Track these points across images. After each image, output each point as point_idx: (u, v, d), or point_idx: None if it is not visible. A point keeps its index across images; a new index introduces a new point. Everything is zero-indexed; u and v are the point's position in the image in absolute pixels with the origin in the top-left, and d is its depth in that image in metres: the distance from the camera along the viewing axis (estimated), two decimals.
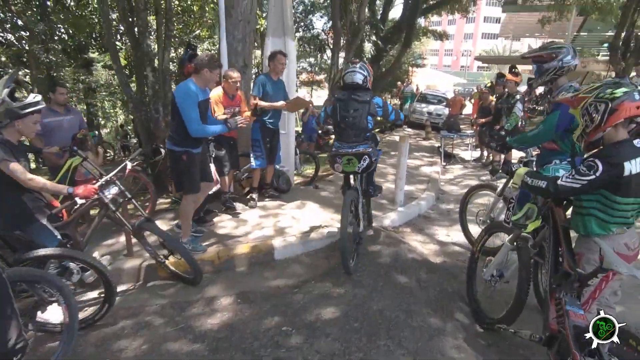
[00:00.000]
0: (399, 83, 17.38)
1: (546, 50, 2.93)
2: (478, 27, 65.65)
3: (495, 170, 7.72)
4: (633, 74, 8.69)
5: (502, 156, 7.17)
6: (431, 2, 18.61)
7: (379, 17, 18.88)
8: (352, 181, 3.66)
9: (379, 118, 3.63)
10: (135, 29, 8.34)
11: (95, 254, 3.68)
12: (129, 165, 3.38)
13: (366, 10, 17.28)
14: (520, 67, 7.57)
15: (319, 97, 27.95)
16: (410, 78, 26.00)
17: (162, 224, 4.31)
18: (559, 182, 2.10)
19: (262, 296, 3.12)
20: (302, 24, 22.37)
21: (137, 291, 3.34)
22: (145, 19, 8.08)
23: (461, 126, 13.01)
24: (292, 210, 4.82)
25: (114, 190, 3.12)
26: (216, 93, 4.37)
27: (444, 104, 15.52)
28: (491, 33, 62.24)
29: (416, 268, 3.46)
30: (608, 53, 18.94)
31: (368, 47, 18.37)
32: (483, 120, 8.69)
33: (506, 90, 7.41)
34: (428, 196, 5.55)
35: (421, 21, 21.29)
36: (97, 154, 4.81)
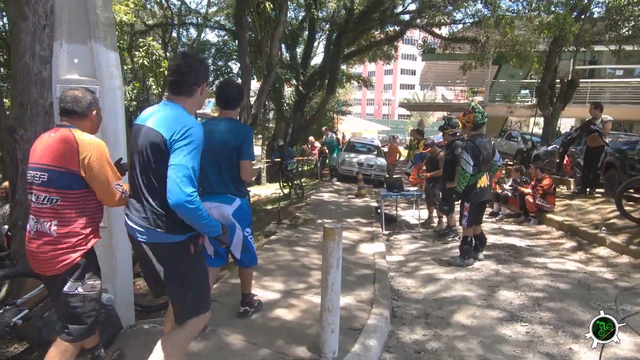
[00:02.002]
0: (323, 128, 15.63)
1: None
2: (396, 78, 69.83)
3: (443, 235, 6.16)
4: (590, 117, 7.53)
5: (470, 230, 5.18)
6: (353, 49, 17.72)
7: (299, 61, 17.46)
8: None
9: None
10: None
11: None
12: None
13: (284, 51, 15.73)
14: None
15: None
16: (336, 125, 24.92)
17: None
18: None
19: None
20: (215, 68, 20.43)
21: None
22: None
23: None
24: None
25: None
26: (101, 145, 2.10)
27: (375, 152, 14.14)
28: (408, 83, 66.52)
29: None
30: (528, 98, 19.38)
31: (289, 92, 16.62)
32: (429, 174, 6.91)
33: (461, 135, 5.71)
34: (378, 323, 3.14)
35: (343, 68, 20.39)
36: None
